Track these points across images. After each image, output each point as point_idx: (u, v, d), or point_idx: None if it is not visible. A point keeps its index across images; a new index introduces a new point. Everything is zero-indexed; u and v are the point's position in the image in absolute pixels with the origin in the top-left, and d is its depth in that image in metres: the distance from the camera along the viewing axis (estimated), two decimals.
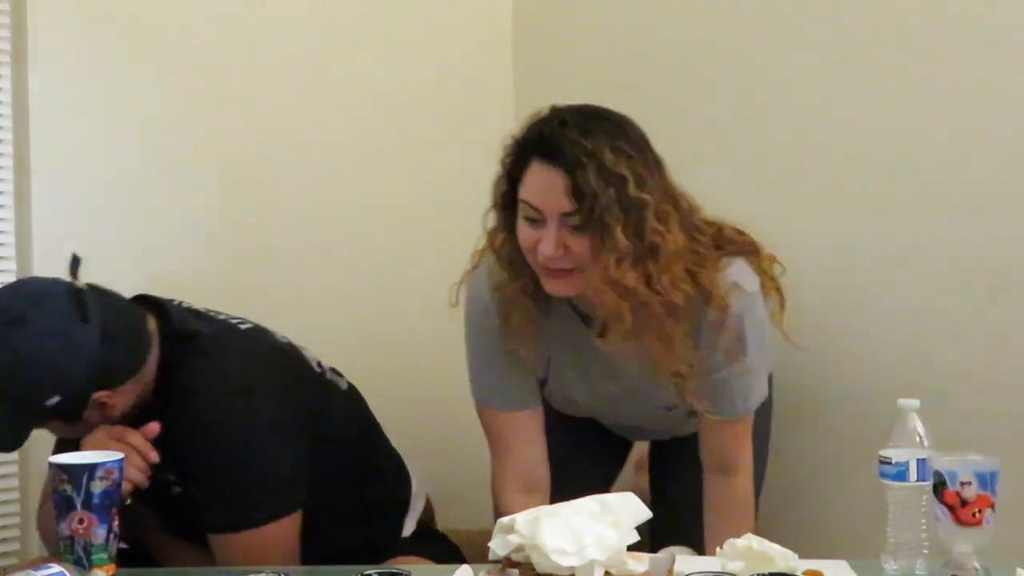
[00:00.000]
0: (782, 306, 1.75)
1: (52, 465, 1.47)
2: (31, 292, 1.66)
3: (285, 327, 1.92)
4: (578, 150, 1.57)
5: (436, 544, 1.99)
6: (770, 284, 1.74)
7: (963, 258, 2.07)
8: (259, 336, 1.83)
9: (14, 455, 2.12)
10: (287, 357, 1.84)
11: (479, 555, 1.74)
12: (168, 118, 2.28)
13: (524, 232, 1.64)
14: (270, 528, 1.69)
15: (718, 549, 1.42)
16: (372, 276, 2.55)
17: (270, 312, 1.95)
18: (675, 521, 1.79)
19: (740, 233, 1.75)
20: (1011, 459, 1.39)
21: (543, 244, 1.60)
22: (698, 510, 1.80)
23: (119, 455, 1.50)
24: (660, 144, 2.53)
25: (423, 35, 2.72)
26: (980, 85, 2.04)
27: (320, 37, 2.55)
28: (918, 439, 1.44)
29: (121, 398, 1.66)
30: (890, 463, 1.44)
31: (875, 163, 2.20)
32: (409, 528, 1.97)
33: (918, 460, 1.43)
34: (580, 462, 1.93)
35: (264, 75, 2.43)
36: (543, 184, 1.60)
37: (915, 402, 1.46)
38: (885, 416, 1.49)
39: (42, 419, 1.65)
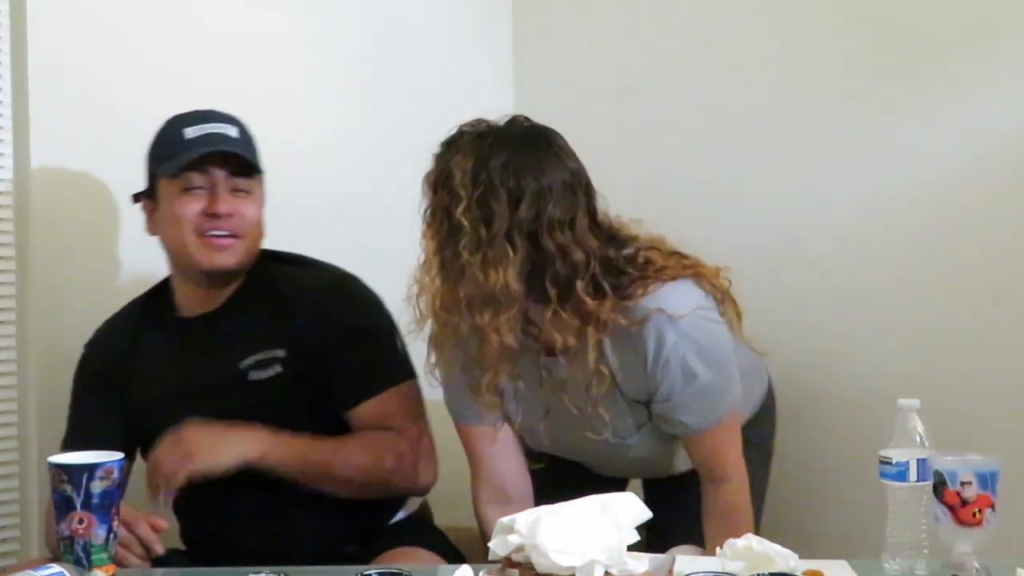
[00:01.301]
0: (739, 316, 1.74)
1: (52, 465, 1.47)
2: None
3: None
4: (444, 159, 1.64)
5: (434, 534, 1.98)
6: (724, 297, 1.72)
7: (964, 259, 2.07)
8: None
9: (14, 455, 2.12)
10: None
11: (478, 554, 1.74)
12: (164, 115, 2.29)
13: None
14: (408, 386, 1.89)
15: (718, 549, 1.42)
16: (372, 277, 2.54)
17: None
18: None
19: (677, 255, 1.72)
20: (1011, 459, 1.40)
21: None
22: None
23: (119, 455, 1.50)
24: (659, 143, 2.53)
25: (423, 35, 2.72)
26: (982, 89, 2.04)
27: (318, 40, 2.55)
28: (918, 439, 1.44)
29: None
30: (890, 463, 1.44)
31: (878, 161, 2.20)
32: (401, 514, 1.98)
33: (918, 460, 1.43)
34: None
35: (253, 74, 2.43)
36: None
37: (915, 402, 1.46)
38: (885, 416, 1.49)
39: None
